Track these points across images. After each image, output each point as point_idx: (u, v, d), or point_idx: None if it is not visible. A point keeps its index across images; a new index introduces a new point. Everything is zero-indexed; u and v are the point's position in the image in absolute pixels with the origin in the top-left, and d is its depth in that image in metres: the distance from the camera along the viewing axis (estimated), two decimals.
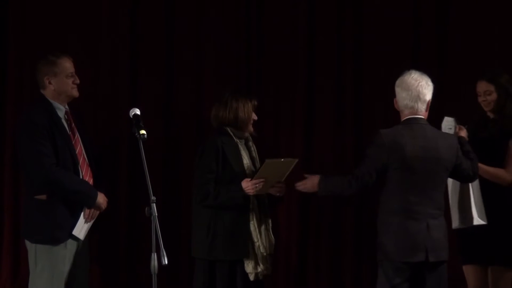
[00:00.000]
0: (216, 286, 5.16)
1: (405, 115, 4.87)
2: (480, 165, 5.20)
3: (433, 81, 4.76)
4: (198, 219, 5.23)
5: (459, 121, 5.22)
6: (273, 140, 6.45)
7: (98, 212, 5.13)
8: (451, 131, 5.18)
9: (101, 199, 5.11)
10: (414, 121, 4.85)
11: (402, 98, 4.86)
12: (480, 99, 5.50)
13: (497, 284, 5.34)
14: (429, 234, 4.81)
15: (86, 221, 5.08)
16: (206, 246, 5.16)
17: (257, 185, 5.09)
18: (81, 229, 5.06)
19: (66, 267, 5.03)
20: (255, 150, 5.37)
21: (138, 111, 4.70)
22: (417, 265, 4.80)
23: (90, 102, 6.25)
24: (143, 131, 4.58)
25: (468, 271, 5.48)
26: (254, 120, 5.32)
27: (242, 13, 6.50)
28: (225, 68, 6.47)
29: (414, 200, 4.82)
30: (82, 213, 5.06)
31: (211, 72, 6.47)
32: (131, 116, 4.71)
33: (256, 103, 5.32)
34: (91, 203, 5.06)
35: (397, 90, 4.87)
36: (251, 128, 5.31)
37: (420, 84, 4.84)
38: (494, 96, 5.44)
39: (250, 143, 5.37)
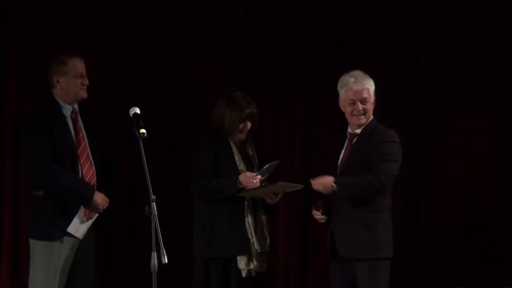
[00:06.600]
0: (210, 283, 5.16)
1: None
2: None
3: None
4: (198, 217, 5.23)
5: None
6: (273, 140, 6.44)
7: (95, 213, 5.07)
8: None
9: (99, 199, 5.04)
10: None
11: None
12: None
13: None
14: None
15: (82, 220, 5.03)
16: (202, 243, 5.17)
17: (254, 180, 5.07)
18: (77, 227, 5.00)
19: (62, 264, 5.00)
20: (254, 152, 5.34)
21: (138, 110, 4.67)
22: None
23: (90, 102, 6.24)
24: (143, 130, 4.55)
25: None
26: (245, 130, 5.26)
27: (242, 13, 6.50)
28: (225, 68, 6.47)
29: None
30: (79, 212, 5.03)
31: (211, 72, 6.47)
32: (131, 115, 4.70)
33: (253, 111, 5.25)
34: (86, 202, 5.00)
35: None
36: (239, 137, 5.26)
37: None
38: None
39: (248, 143, 5.35)
